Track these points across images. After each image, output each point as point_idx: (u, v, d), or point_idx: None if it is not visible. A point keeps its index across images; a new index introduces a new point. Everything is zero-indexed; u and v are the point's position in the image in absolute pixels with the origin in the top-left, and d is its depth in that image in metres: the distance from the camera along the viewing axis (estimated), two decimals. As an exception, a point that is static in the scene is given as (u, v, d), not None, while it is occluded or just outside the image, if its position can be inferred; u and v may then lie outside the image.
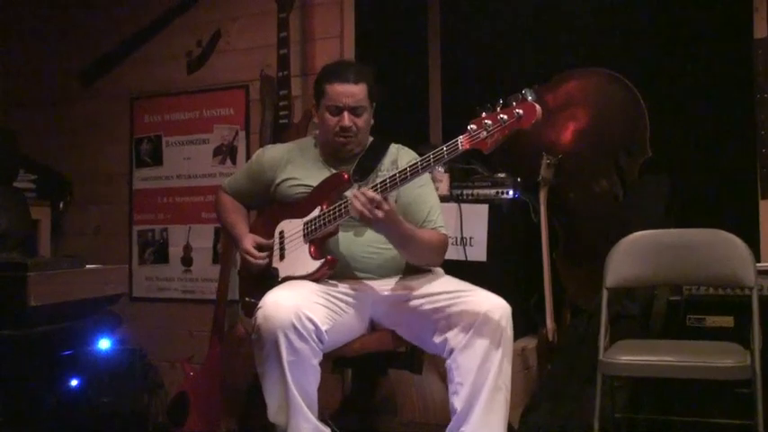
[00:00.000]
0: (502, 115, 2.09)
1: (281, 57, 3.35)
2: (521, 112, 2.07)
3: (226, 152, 3.83)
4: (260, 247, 2.52)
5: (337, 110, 2.42)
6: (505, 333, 2.29)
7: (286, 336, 2.14)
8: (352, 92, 2.42)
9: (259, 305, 2.22)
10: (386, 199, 2.21)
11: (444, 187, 3.33)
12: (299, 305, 2.18)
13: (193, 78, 3.92)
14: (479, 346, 2.27)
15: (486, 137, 2.10)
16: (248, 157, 3.69)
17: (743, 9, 3.15)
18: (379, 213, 2.19)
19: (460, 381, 2.29)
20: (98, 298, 2.98)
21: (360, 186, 2.36)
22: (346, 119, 2.42)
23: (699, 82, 3.55)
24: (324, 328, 2.20)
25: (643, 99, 3.35)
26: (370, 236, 2.42)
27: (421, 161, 2.20)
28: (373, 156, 2.52)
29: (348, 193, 2.32)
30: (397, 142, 2.61)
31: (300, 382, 2.19)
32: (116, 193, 4.08)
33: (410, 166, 2.21)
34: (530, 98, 2.09)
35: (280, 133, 3.33)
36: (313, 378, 2.22)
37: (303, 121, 3.37)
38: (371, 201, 2.19)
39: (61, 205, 4.11)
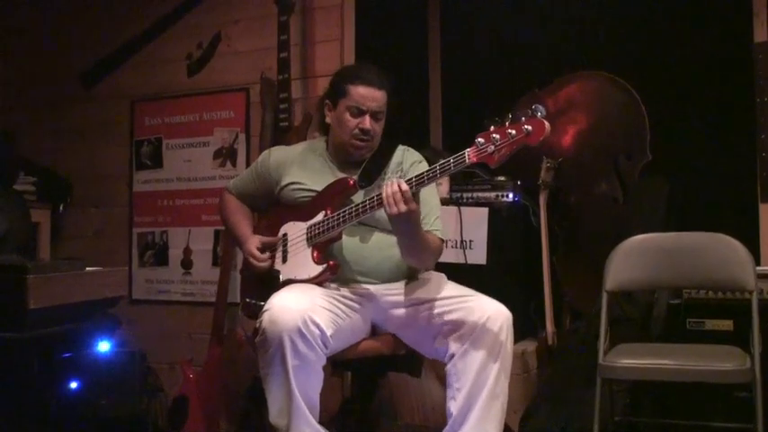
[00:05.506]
0: (510, 130, 2.08)
1: (282, 60, 3.36)
2: (530, 128, 2.06)
3: (226, 155, 3.83)
4: (264, 248, 2.52)
5: (359, 112, 2.43)
6: (506, 340, 2.29)
7: (292, 340, 2.13)
8: (377, 96, 2.43)
9: (266, 307, 2.21)
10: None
11: (444, 190, 3.33)
12: (306, 309, 2.17)
13: (194, 81, 3.92)
14: (479, 352, 2.27)
15: (494, 151, 2.10)
16: (249, 159, 3.69)
17: (743, 12, 3.15)
18: (403, 207, 2.17)
19: (459, 386, 2.29)
20: (98, 300, 2.97)
21: (365, 192, 2.38)
22: (368, 122, 2.43)
23: (699, 85, 3.54)
24: (329, 332, 2.20)
25: (643, 102, 3.35)
26: (375, 241, 2.43)
27: (427, 172, 2.20)
28: (380, 160, 2.52)
29: (355, 198, 2.34)
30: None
31: (304, 387, 2.18)
32: (116, 196, 4.08)
33: (416, 177, 2.21)
34: (539, 114, 2.07)
35: (280, 136, 3.33)
36: (316, 382, 2.22)
37: (303, 124, 3.37)
38: (401, 192, 2.17)
39: (61, 208, 4.11)
